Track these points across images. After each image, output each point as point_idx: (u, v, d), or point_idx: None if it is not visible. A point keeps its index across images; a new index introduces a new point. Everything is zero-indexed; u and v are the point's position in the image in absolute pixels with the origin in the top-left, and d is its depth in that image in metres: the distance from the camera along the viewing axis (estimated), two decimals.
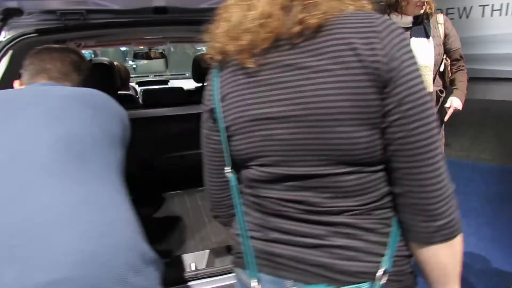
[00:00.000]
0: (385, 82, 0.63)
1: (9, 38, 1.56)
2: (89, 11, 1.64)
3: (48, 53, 1.05)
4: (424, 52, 2.11)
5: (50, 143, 0.74)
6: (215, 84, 0.77)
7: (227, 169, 0.81)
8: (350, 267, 0.70)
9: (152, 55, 5.10)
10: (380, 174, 0.69)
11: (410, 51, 0.65)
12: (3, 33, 1.56)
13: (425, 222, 0.67)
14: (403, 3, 2.11)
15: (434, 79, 2.17)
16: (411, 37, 2.10)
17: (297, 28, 0.65)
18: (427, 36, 2.12)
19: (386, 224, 0.71)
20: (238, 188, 0.82)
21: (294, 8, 0.67)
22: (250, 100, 0.71)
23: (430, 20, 2.15)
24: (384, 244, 0.71)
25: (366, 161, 0.67)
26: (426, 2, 2.10)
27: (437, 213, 0.66)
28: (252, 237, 0.78)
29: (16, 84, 1.05)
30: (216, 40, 0.74)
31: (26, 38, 1.55)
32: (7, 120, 0.79)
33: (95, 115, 0.87)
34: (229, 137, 0.76)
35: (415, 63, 0.65)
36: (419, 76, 0.65)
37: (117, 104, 1.00)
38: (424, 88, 0.65)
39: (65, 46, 1.26)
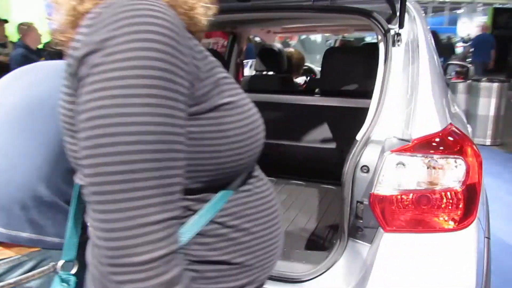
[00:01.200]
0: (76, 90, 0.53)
1: None
2: None
3: None
4: None
5: (20, 100, 0.91)
6: None
7: None
8: None
9: None
10: None
11: (113, 54, 0.46)
12: None
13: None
14: None
15: None
16: None
17: None
18: None
19: None
20: None
21: None
22: None
23: None
24: None
25: None
26: None
27: (109, 280, 0.46)
28: None
29: None
30: None
31: None
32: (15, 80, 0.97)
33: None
34: None
35: (112, 70, 0.46)
36: (97, 91, 0.46)
37: None
38: (102, 109, 0.46)
39: None
